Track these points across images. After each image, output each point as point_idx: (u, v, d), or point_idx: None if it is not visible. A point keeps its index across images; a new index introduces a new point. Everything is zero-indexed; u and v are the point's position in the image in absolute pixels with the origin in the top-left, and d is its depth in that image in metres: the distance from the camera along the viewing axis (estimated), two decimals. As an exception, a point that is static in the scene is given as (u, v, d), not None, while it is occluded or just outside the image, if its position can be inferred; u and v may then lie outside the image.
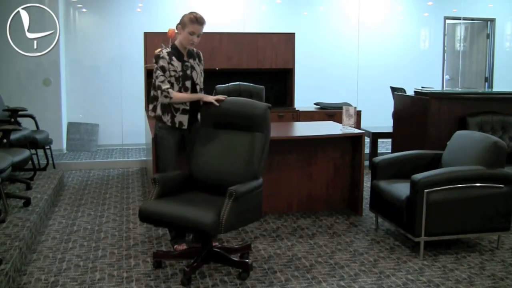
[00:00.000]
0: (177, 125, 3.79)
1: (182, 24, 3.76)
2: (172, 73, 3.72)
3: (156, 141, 3.91)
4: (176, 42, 3.82)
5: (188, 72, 3.78)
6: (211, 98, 3.70)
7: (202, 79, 3.91)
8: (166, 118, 3.80)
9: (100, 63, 8.04)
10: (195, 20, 3.70)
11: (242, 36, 6.81)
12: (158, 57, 3.75)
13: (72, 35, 7.88)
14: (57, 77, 7.47)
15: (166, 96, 3.69)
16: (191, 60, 3.82)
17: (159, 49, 3.84)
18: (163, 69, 3.71)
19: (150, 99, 3.87)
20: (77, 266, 3.63)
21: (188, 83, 3.77)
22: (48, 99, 7.44)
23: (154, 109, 3.84)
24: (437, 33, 9.12)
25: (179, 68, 3.75)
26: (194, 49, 3.91)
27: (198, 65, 3.88)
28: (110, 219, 4.73)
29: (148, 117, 5.72)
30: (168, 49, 3.79)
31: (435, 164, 4.34)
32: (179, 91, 3.75)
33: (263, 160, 3.58)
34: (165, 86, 3.70)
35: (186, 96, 3.77)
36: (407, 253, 3.94)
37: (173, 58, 3.74)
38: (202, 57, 3.96)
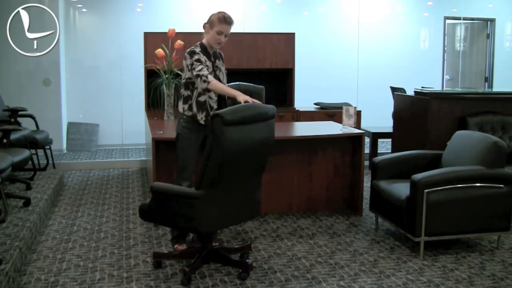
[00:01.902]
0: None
1: (210, 23, 3.72)
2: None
3: (178, 140, 3.85)
4: (204, 41, 3.78)
5: (217, 72, 3.78)
6: (242, 99, 3.51)
7: (225, 79, 3.91)
8: (201, 116, 3.74)
9: (100, 63, 8.04)
10: (224, 19, 3.68)
11: (242, 36, 6.81)
12: (193, 53, 3.69)
13: (72, 35, 7.88)
14: (57, 77, 7.46)
15: (204, 81, 3.60)
16: (217, 61, 3.82)
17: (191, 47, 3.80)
18: (199, 60, 3.66)
19: (183, 100, 3.80)
20: (77, 266, 3.63)
21: None
22: (48, 99, 7.44)
23: (191, 108, 3.76)
24: (437, 33, 9.12)
25: (211, 68, 3.74)
26: (217, 49, 3.89)
27: (222, 65, 3.88)
28: (110, 219, 4.73)
29: (149, 117, 5.74)
30: (199, 48, 3.75)
31: (435, 164, 4.34)
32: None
33: (206, 170, 3.11)
34: (204, 72, 3.62)
35: (224, 87, 3.67)
36: (407, 253, 3.94)
37: (205, 57, 3.73)
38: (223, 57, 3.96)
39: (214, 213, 3.25)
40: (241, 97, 3.53)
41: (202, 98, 3.73)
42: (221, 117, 3.00)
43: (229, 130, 3.04)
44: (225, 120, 3.01)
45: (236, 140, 3.09)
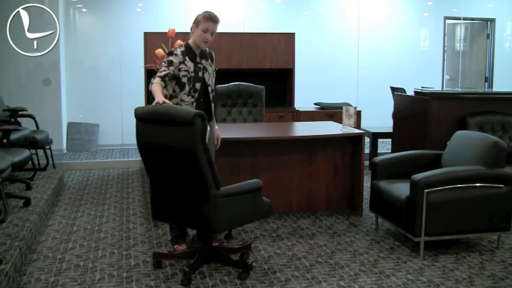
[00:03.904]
0: None
1: (196, 22, 3.73)
2: (184, 73, 3.70)
3: None
4: (190, 41, 3.78)
5: (200, 74, 3.76)
6: (156, 100, 3.42)
7: (213, 80, 3.90)
8: None
9: (100, 63, 8.04)
10: (209, 17, 3.69)
11: (242, 36, 6.81)
12: (170, 54, 3.71)
13: (72, 35, 7.88)
14: (57, 77, 7.47)
15: (151, 82, 3.65)
16: (203, 61, 3.80)
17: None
18: (169, 63, 3.67)
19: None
20: (77, 266, 3.63)
21: (198, 85, 3.74)
22: (48, 99, 7.44)
23: None
24: (437, 33, 9.12)
25: (192, 69, 3.72)
26: (207, 49, 3.88)
27: (210, 65, 3.85)
28: (110, 219, 4.73)
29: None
30: (182, 48, 3.76)
31: (435, 164, 4.34)
32: (189, 92, 3.72)
33: None
34: (160, 74, 3.63)
35: (154, 90, 3.55)
36: (407, 253, 3.94)
37: (187, 58, 3.72)
38: (214, 57, 3.93)
39: (157, 202, 3.53)
40: (156, 99, 3.43)
41: (174, 101, 3.71)
42: (134, 111, 3.38)
43: (138, 124, 3.36)
44: (135, 114, 3.37)
45: (142, 136, 3.35)
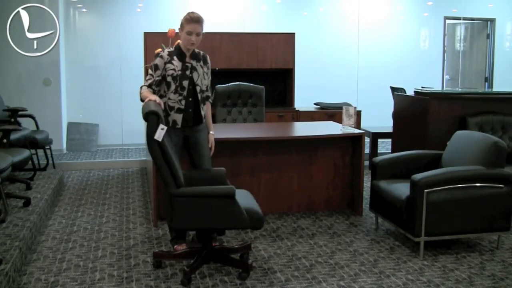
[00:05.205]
0: (170, 124, 3.78)
1: (181, 25, 3.78)
2: (170, 72, 3.74)
3: None
4: (180, 43, 3.84)
5: (188, 72, 3.78)
6: (146, 100, 3.61)
7: (206, 82, 3.89)
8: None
9: (100, 63, 8.04)
10: (191, 19, 3.72)
11: (242, 36, 6.81)
12: (156, 55, 3.81)
13: (72, 35, 7.88)
14: (57, 77, 7.46)
15: (139, 92, 3.75)
16: (193, 61, 3.81)
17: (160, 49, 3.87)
18: (155, 67, 3.75)
19: None
20: (77, 266, 3.63)
21: (185, 83, 3.76)
22: (48, 99, 7.44)
23: None
24: (437, 33, 9.12)
25: (179, 67, 3.76)
26: (201, 52, 3.90)
27: (202, 67, 3.86)
28: (110, 219, 4.73)
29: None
30: (171, 49, 3.82)
31: (435, 164, 4.34)
32: (176, 89, 3.76)
33: None
34: (145, 83, 3.75)
35: (143, 93, 3.71)
36: (407, 253, 3.94)
37: (174, 57, 3.76)
38: (209, 61, 3.93)
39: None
40: (148, 98, 3.59)
41: (163, 100, 3.76)
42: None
43: None
44: None
45: None
